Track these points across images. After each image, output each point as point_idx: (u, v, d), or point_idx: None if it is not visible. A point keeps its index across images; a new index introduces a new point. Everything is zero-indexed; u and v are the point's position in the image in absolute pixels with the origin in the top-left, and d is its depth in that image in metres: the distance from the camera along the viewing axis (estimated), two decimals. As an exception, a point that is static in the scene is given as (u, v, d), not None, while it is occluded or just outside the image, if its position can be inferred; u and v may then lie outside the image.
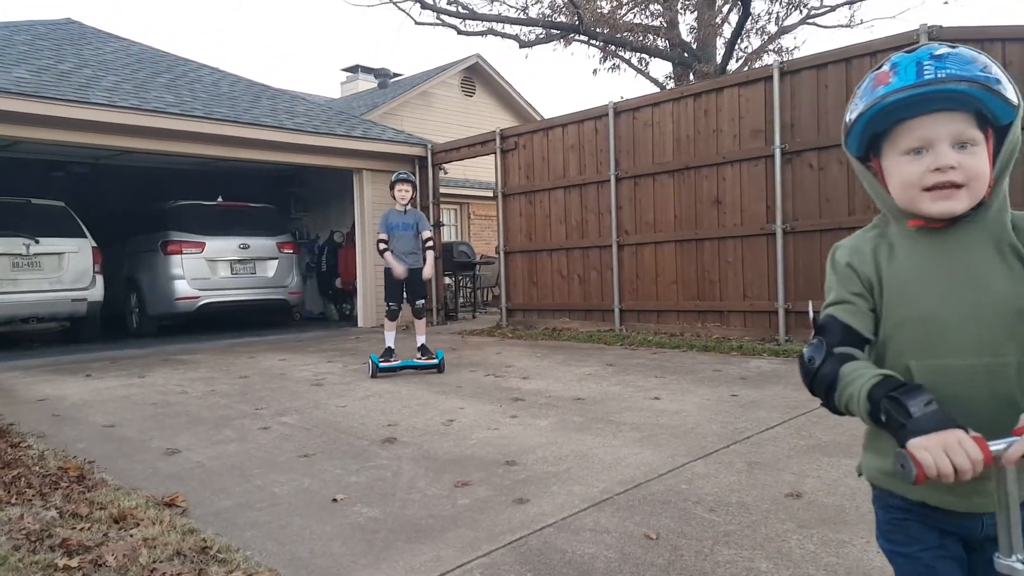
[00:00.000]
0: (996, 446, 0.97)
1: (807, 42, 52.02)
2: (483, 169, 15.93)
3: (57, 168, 11.74)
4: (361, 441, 4.09)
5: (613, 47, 16.86)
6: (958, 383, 1.09)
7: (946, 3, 27.43)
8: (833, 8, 16.74)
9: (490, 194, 11.58)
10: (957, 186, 1.08)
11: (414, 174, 10.12)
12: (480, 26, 16.77)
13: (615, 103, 8.74)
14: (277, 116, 10.48)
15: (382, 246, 6.60)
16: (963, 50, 1.08)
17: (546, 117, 14.45)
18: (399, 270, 6.47)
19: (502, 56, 73.23)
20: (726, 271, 7.76)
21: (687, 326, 8.04)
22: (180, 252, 9.75)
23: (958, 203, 1.08)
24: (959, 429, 0.96)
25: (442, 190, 12.24)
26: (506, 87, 21.44)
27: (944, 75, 1.04)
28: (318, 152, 10.39)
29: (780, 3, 16.47)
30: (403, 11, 16.05)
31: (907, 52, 1.11)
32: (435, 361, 6.36)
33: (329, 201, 12.93)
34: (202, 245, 9.87)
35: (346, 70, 25.09)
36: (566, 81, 62.17)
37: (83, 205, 9.90)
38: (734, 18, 15.68)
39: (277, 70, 78.94)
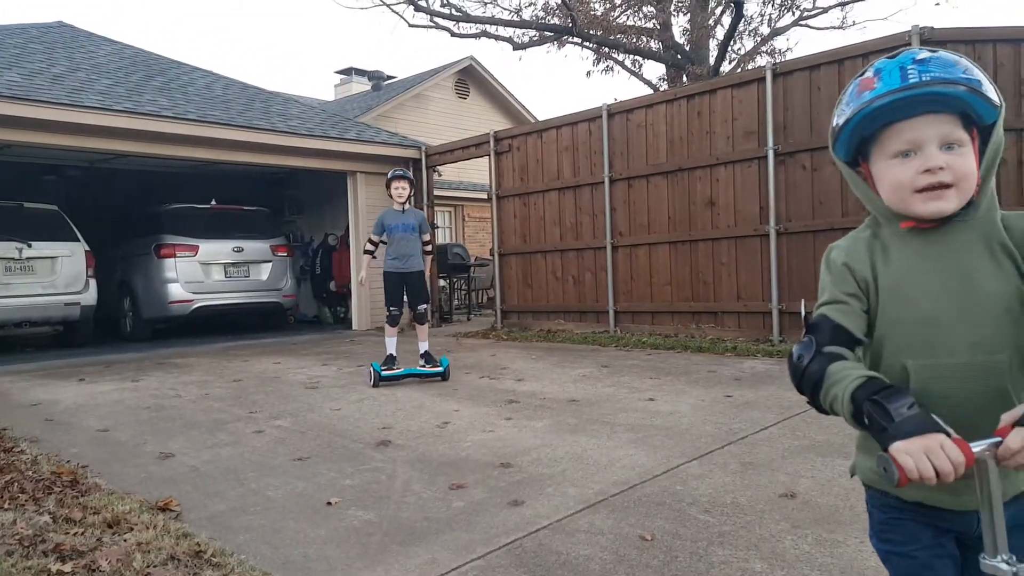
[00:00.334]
0: (978, 447, 0.98)
1: (800, 44, 52.36)
2: (477, 171, 15.93)
3: (50, 172, 11.68)
4: (356, 444, 4.08)
5: (606, 49, 16.87)
6: (953, 382, 1.10)
7: (937, 4, 27.58)
8: (825, 10, 16.82)
9: (484, 196, 11.60)
10: (947, 186, 1.09)
11: (409, 175, 10.10)
12: (474, 28, 16.77)
13: (609, 105, 8.76)
14: (271, 119, 10.46)
15: (368, 247, 6.49)
16: (944, 54, 1.09)
17: (540, 119, 14.45)
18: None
19: (496, 58, 73.52)
20: (720, 272, 7.78)
21: (681, 327, 8.06)
22: (174, 255, 9.71)
23: (948, 203, 1.10)
24: (940, 432, 0.97)
25: (436, 192, 12.26)
26: (500, 89, 21.45)
27: (928, 78, 1.06)
28: (312, 155, 10.37)
29: (773, 5, 16.53)
30: (396, 13, 16.07)
31: (889, 58, 1.12)
32: (440, 369, 6.00)
33: (323, 204, 12.90)
34: (196, 248, 9.83)
35: (340, 72, 25.04)
36: (560, 83, 62.40)
37: (76, 209, 9.85)
38: (727, 20, 15.72)
39: (271, 72, 78.99)
